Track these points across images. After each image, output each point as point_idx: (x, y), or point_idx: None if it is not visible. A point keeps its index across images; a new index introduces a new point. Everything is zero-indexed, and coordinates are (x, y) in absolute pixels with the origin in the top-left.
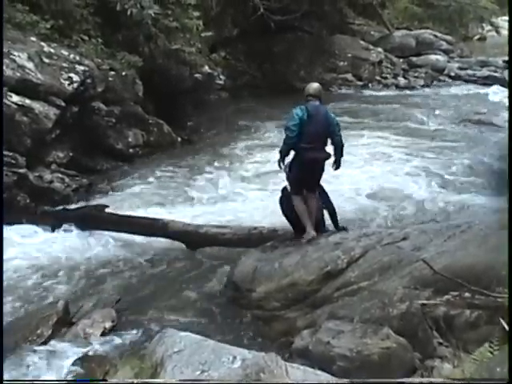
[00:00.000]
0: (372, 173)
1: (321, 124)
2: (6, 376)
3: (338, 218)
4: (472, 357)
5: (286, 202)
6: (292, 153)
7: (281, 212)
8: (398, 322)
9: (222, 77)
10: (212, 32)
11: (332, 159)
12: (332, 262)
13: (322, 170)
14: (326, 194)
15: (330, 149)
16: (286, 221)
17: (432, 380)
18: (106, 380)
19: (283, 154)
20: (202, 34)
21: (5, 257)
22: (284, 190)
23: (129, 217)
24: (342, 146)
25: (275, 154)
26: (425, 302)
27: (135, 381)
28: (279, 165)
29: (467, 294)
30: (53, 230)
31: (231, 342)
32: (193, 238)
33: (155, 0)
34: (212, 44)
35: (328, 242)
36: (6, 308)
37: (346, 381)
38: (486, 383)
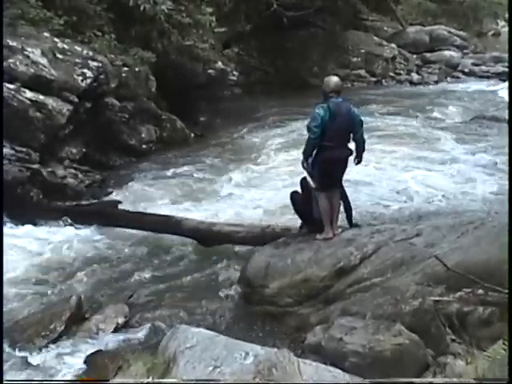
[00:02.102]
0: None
1: (344, 122)
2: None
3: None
4: (485, 354)
5: (299, 195)
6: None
7: (291, 205)
8: (411, 318)
9: (235, 73)
10: (225, 28)
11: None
12: (345, 258)
13: (345, 167)
14: (344, 189)
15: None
16: (297, 214)
17: (432, 380)
18: (107, 380)
19: (307, 155)
20: (215, 29)
21: (17, 253)
22: (302, 182)
23: (143, 214)
24: (364, 142)
25: (289, 150)
26: (438, 298)
27: (138, 381)
28: (303, 166)
29: (480, 291)
30: (65, 226)
31: (243, 337)
32: (206, 236)
33: None
34: (225, 40)
35: (341, 238)
36: (20, 303)
37: (359, 380)
38: (485, 383)
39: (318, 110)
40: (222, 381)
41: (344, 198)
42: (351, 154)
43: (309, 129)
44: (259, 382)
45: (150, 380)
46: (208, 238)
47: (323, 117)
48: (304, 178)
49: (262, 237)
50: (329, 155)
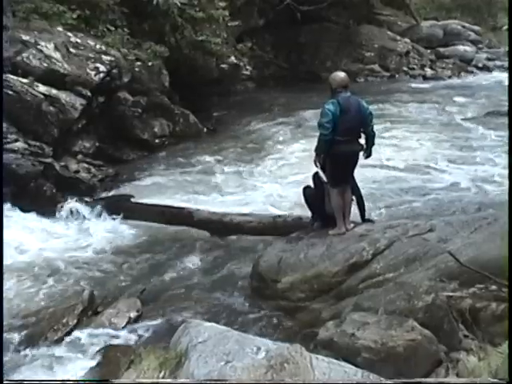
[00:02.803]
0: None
1: (354, 116)
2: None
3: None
4: (498, 350)
5: (311, 190)
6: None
7: (304, 200)
8: (424, 314)
9: (248, 67)
10: (238, 22)
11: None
12: (357, 253)
13: (357, 161)
14: (356, 184)
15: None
16: (309, 209)
17: (433, 380)
18: (107, 380)
19: (320, 153)
20: (228, 24)
21: (31, 246)
22: (314, 178)
23: (155, 206)
24: (374, 135)
25: (302, 145)
26: (450, 294)
27: (141, 381)
28: (315, 163)
29: (493, 287)
30: (77, 220)
31: (255, 332)
32: (218, 227)
33: None
34: (238, 34)
35: (353, 233)
36: (32, 297)
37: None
38: (485, 383)
39: (327, 106)
40: (230, 380)
41: (356, 192)
42: (362, 148)
43: (320, 125)
44: (264, 383)
45: (151, 380)
46: (220, 228)
47: (334, 112)
48: (316, 173)
49: (274, 227)
50: (341, 150)
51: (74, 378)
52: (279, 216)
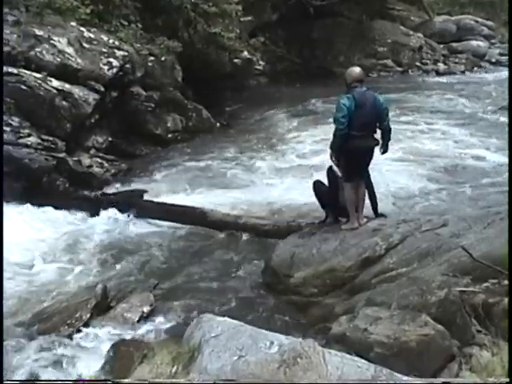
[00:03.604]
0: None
1: (370, 111)
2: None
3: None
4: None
5: (322, 184)
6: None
7: (314, 194)
8: (437, 309)
9: (261, 62)
10: (251, 17)
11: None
12: (370, 248)
13: (372, 156)
14: (370, 179)
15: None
16: (318, 203)
17: (433, 380)
18: (108, 380)
19: (335, 148)
20: (241, 18)
21: (42, 243)
22: (328, 172)
23: (169, 205)
24: (390, 130)
25: (315, 140)
26: (463, 289)
27: (144, 381)
28: (331, 158)
29: (506, 282)
30: (92, 215)
31: (268, 327)
32: (232, 228)
33: None
34: (251, 29)
35: (366, 228)
36: (45, 291)
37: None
38: (486, 383)
39: (342, 101)
40: (219, 381)
41: (369, 187)
42: (378, 143)
43: (336, 120)
44: (271, 382)
45: (154, 380)
46: (233, 229)
47: (349, 107)
48: (330, 168)
49: (288, 231)
50: (356, 145)
51: (87, 373)
52: (294, 220)
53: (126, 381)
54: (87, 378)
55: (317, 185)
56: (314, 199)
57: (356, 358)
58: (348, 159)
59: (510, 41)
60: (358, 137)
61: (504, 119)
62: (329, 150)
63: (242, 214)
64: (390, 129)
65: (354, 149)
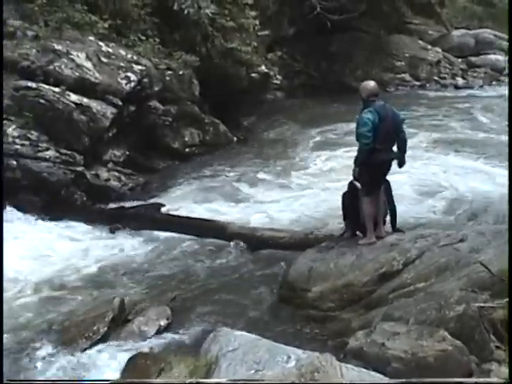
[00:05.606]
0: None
1: (390, 124)
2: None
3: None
4: None
5: (348, 198)
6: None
7: (341, 207)
8: (455, 324)
9: (278, 76)
10: (268, 31)
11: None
12: (388, 263)
13: (389, 169)
14: (391, 193)
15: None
16: (343, 217)
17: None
18: (107, 380)
19: (360, 163)
20: (258, 33)
21: (59, 255)
22: (350, 186)
23: (187, 218)
24: (406, 142)
25: (333, 156)
26: (482, 304)
27: (146, 380)
28: (354, 173)
29: None
30: (111, 231)
31: (285, 341)
32: (249, 241)
33: (212, 0)
34: (268, 43)
35: (384, 242)
36: (62, 305)
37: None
38: (486, 383)
39: (366, 116)
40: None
41: (390, 201)
42: (397, 156)
43: (361, 135)
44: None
45: (154, 380)
46: (251, 242)
47: (373, 121)
48: (352, 182)
49: (305, 243)
50: (379, 158)
51: None
52: (311, 233)
53: (127, 381)
54: (87, 378)
55: (344, 196)
56: (329, 213)
57: (373, 373)
58: (371, 173)
59: (510, 41)
60: (381, 150)
61: None
62: (352, 165)
63: (259, 227)
64: (406, 140)
65: (378, 162)
